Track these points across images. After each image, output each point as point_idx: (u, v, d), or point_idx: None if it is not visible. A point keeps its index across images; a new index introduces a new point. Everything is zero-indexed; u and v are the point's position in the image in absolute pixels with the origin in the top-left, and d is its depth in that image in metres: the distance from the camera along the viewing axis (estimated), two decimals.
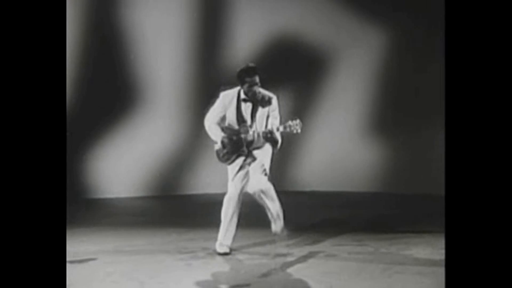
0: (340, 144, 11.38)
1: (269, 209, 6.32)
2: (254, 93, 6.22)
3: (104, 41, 10.87)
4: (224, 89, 6.46)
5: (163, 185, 11.15)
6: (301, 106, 11.00)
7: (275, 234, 6.41)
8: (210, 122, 6.45)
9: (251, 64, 6.36)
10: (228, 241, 6.37)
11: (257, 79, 6.20)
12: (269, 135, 6.15)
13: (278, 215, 6.34)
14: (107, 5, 10.92)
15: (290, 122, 6.09)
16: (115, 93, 10.91)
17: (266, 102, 6.28)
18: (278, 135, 6.20)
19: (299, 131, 6.06)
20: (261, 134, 6.17)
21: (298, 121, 6.07)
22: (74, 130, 10.28)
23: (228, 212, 6.35)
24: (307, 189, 11.23)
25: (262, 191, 6.22)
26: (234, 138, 6.30)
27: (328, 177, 11.31)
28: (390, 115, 11.11)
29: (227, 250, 6.35)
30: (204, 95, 10.99)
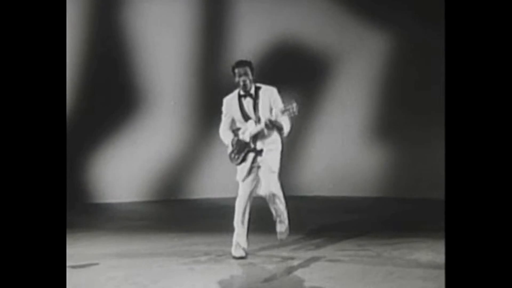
0: (342, 148, 11.38)
1: (276, 211, 6.37)
2: (245, 84, 6.29)
3: (106, 44, 10.88)
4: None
5: (165, 190, 11.15)
6: (303, 110, 10.98)
7: (280, 234, 6.44)
8: (223, 129, 6.55)
9: (243, 58, 6.53)
10: (244, 244, 6.40)
11: (248, 70, 6.31)
12: (270, 124, 6.19)
13: (284, 216, 6.41)
14: (109, 8, 10.93)
15: (286, 106, 6.12)
16: (118, 97, 10.92)
17: (266, 95, 6.33)
18: (282, 122, 6.22)
19: (296, 113, 6.07)
20: (263, 125, 6.20)
21: (294, 104, 6.10)
22: (77, 134, 10.31)
23: (239, 215, 6.37)
24: (310, 193, 11.22)
25: (273, 194, 6.27)
26: (240, 135, 6.35)
27: (330, 182, 11.31)
28: (392, 119, 11.10)
29: (243, 254, 6.37)
30: (206, 99, 11.03)
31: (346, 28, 11.27)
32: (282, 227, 6.44)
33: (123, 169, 10.94)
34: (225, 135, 6.52)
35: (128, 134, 10.99)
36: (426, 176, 10.39)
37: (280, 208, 6.35)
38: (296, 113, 6.06)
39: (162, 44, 11.04)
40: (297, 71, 11.20)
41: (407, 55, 10.97)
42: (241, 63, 6.38)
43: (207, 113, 10.91)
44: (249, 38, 11.19)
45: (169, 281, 5.61)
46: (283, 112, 6.09)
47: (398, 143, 11.06)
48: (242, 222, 6.39)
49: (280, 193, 6.32)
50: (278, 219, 6.41)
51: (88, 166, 10.86)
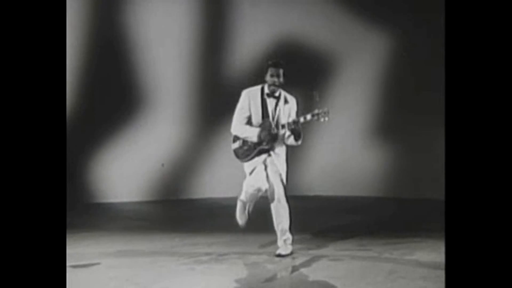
0: (343, 148, 11.38)
1: (278, 223, 6.38)
2: (275, 85, 6.27)
3: (107, 45, 10.88)
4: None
5: (166, 190, 11.15)
6: (304, 110, 10.98)
7: (278, 254, 6.40)
8: (240, 124, 6.38)
9: (280, 59, 6.48)
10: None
11: (281, 73, 6.29)
12: (294, 126, 6.16)
13: (288, 235, 6.41)
14: (110, 9, 10.94)
15: (317, 111, 6.10)
16: (119, 97, 10.92)
17: (287, 102, 6.36)
18: (300, 127, 6.21)
19: (327, 119, 6.04)
20: (286, 125, 6.18)
21: (326, 109, 6.08)
22: (78, 134, 10.32)
23: (245, 197, 6.36)
24: (311, 193, 11.23)
25: (279, 201, 6.29)
26: (274, 124, 6.31)
27: (331, 181, 11.31)
28: (393, 120, 11.11)
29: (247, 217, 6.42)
30: (207, 99, 11.02)
31: (347, 29, 11.27)
32: (285, 250, 6.40)
33: (124, 169, 10.94)
34: (243, 129, 6.34)
35: (129, 134, 10.99)
36: (427, 177, 10.39)
37: (279, 219, 6.33)
38: (327, 119, 6.03)
39: (163, 45, 11.04)
40: (298, 72, 11.18)
41: (409, 56, 10.97)
42: (277, 64, 6.32)
43: (208, 114, 10.91)
44: (251, 38, 11.20)
45: (170, 281, 5.60)
46: (313, 115, 6.06)
47: (398, 143, 11.06)
48: (244, 204, 6.38)
49: (283, 202, 6.32)
50: (282, 237, 6.39)
51: (89, 166, 10.86)
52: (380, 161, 11.16)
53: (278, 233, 6.41)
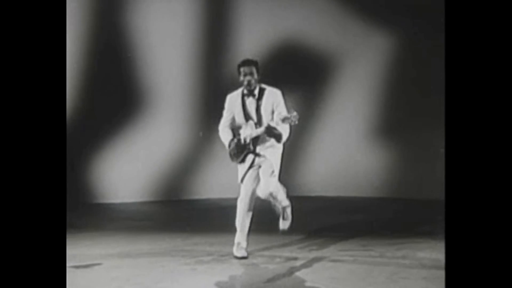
0: (345, 148, 11.38)
1: (278, 208, 6.41)
2: (249, 84, 6.27)
3: (108, 45, 10.88)
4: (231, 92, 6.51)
5: (167, 190, 11.15)
6: (306, 110, 10.99)
7: (282, 230, 6.43)
8: (223, 126, 6.55)
9: (249, 57, 6.50)
10: (244, 244, 6.41)
11: (253, 70, 6.29)
12: (270, 130, 6.16)
13: (288, 213, 6.44)
14: (111, 8, 10.94)
15: (287, 115, 6.10)
16: (120, 98, 10.92)
17: (269, 97, 6.31)
18: (281, 129, 6.18)
19: (296, 122, 6.06)
20: (263, 129, 6.19)
21: (295, 113, 6.08)
22: (79, 135, 10.32)
23: (241, 215, 6.38)
24: (313, 194, 11.22)
25: (271, 194, 6.25)
26: (239, 137, 6.35)
27: (333, 182, 11.31)
28: (395, 120, 11.10)
29: (245, 254, 6.37)
30: (208, 100, 11.02)
31: (348, 29, 11.27)
32: (285, 224, 6.46)
33: (126, 169, 10.94)
34: (224, 132, 6.52)
35: (130, 134, 10.99)
36: (429, 177, 10.38)
37: (282, 203, 6.37)
38: (296, 123, 6.04)
39: (164, 45, 11.04)
40: (299, 72, 11.20)
41: (410, 56, 10.97)
42: (247, 62, 6.34)
43: (209, 114, 10.90)
44: (252, 38, 11.19)
45: (171, 281, 5.60)
46: (283, 120, 6.07)
47: (400, 144, 11.05)
48: (244, 222, 6.39)
49: (280, 191, 6.30)
50: (281, 215, 6.43)
51: (90, 166, 10.87)
52: (381, 162, 11.15)
53: (279, 203, 6.41)
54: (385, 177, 11.10)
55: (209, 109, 10.93)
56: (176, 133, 11.19)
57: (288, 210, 6.47)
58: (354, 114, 11.34)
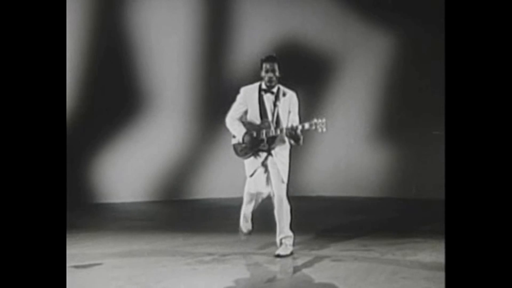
0: (346, 149, 11.38)
1: (279, 222, 6.38)
2: (271, 81, 6.22)
3: (109, 45, 10.88)
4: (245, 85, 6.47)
5: (168, 190, 11.16)
6: (307, 110, 10.97)
7: (278, 255, 6.40)
8: (232, 118, 6.39)
9: (273, 53, 6.46)
10: (249, 225, 6.57)
11: (276, 67, 6.25)
12: (292, 132, 6.12)
13: (290, 242, 6.40)
14: (112, 10, 10.94)
15: (315, 120, 6.07)
16: (121, 98, 10.92)
17: (286, 97, 6.29)
18: (300, 133, 6.17)
19: (324, 130, 6.03)
20: (284, 130, 6.16)
21: (324, 120, 6.06)
22: (80, 135, 10.32)
23: (246, 201, 6.48)
24: (313, 194, 11.22)
25: (280, 202, 6.28)
26: (255, 133, 6.27)
27: (333, 182, 11.31)
28: (395, 120, 11.10)
29: (250, 228, 6.57)
30: (209, 100, 11.02)
31: (349, 29, 11.27)
32: (285, 250, 6.38)
33: (126, 169, 10.95)
34: (233, 124, 6.37)
35: (131, 134, 10.99)
36: (430, 177, 10.38)
37: (280, 217, 6.32)
38: (324, 130, 6.02)
39: (165, 45, 11.04)
40: (300, 72, 11.20)
41: (412, 56, 10.97)
42: (270, 58, 6.29)
43: (209, 114, 10.91)
44: (253, 38, 11.20)
45: (172, 281, 5.60)
46: (311, 125, 6.04)
47: (401, 144, 11.05)
48: (246, 210, 6.47)
49: (284, 202, 6.30)
50: (282, 240, 6.37)
51: (91, 166, 10.87)
52: (382, 162, 11.15)
53: (278, 233, 6.39)
54: (385, 177, 11.10)
55: (209, 109, 10.93)
56: (177, 133, 11.19)
57: (289, 241, 6.39)
58: (354, 114, 11.34)
